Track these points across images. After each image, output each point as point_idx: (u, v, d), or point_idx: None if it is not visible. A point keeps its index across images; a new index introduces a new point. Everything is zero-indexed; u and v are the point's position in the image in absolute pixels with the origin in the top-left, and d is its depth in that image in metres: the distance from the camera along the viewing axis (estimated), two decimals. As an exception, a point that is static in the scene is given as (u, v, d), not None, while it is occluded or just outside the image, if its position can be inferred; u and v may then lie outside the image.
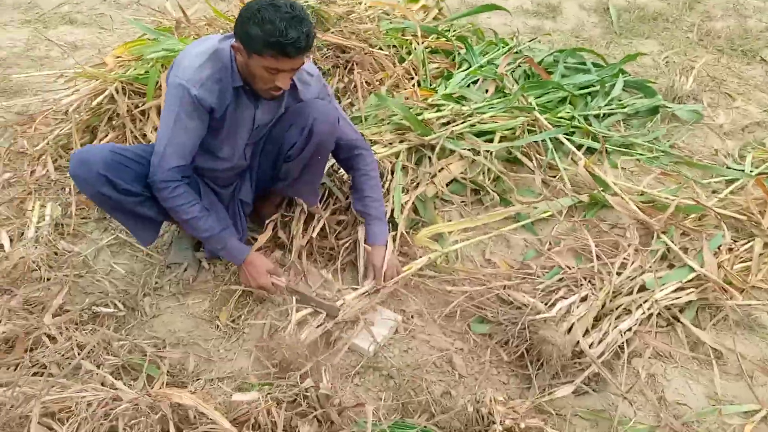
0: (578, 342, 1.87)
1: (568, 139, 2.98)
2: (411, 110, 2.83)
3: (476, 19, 4.75)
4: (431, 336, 2.03)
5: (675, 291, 2.07)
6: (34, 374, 1.73)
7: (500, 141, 2.90)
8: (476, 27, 4.14)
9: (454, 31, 4.00)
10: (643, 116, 3.45)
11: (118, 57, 3.10)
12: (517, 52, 3.75)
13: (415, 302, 2.15)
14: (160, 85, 2.79)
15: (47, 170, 2.80)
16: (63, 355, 1.80)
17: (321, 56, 3.09)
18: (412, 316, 2.11)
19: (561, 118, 3.14)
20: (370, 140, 2.69)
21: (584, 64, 3.75)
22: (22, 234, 2.39)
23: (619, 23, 4.82)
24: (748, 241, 2.37)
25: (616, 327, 1.90)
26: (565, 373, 1.87)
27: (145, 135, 2.81)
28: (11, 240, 2.37)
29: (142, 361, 1.84)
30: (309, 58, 2.79)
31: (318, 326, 1.94)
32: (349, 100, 3.06)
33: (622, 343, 1.91)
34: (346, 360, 1.93)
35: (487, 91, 3.30)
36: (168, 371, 1.84)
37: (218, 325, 2.08)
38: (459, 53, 3.66)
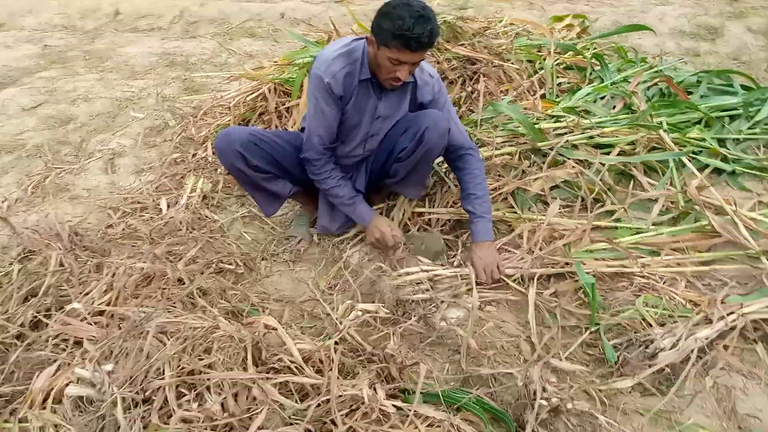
0: (652, 342, 1.86)
1: (692, 159, 2.87)
2: (528, 118, 2.92)
3: (626, 40, 4.68)
4: (505, 323, 2.12)
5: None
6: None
7: (619, 155, 2.88)
8: (619, 45, 4.08)
9: (595, 49, 3.98)
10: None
11: (275, 62, 3.57)
12: (657, 72, 3.65)
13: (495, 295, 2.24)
14: (303, 87, 3.18)
15: (206, 153, 3.31)
16: (187, 296, 2.17)
17: (449, 67, 3.30)
18: (489, 303, 2.20)
19: (691, 138, 3.03)
20: (481, 140, 2.84)
21: (731, 86, 3.55)
22: (177, 202, 2.87)
23: (790, 47, 4.45)
24: None
25: (692, 335, 1.85)
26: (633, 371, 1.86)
27: (287, 129, 3.21)
28: (168, 206, 2.86)
29: (249, 310, 2.16)
30: (430, 63, 3.03)
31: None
32: (471, 108, 3.22)
33: (700, 351, 1.86)
34: (421, 332, 2.08)
35: (614, 107, 3.27)
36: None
37: (317, 290, 2.34)
38: (593, 70, 3.65)
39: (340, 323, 1.93)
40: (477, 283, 2.20)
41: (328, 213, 2.51)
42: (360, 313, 1.96)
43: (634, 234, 2.48)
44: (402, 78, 2.06)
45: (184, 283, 2.23)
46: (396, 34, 1.90)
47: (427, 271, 2.17)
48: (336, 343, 1.82)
